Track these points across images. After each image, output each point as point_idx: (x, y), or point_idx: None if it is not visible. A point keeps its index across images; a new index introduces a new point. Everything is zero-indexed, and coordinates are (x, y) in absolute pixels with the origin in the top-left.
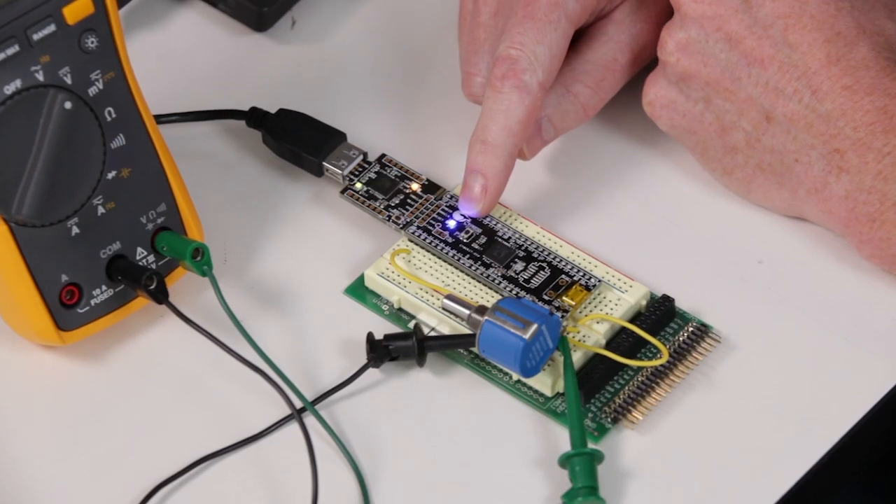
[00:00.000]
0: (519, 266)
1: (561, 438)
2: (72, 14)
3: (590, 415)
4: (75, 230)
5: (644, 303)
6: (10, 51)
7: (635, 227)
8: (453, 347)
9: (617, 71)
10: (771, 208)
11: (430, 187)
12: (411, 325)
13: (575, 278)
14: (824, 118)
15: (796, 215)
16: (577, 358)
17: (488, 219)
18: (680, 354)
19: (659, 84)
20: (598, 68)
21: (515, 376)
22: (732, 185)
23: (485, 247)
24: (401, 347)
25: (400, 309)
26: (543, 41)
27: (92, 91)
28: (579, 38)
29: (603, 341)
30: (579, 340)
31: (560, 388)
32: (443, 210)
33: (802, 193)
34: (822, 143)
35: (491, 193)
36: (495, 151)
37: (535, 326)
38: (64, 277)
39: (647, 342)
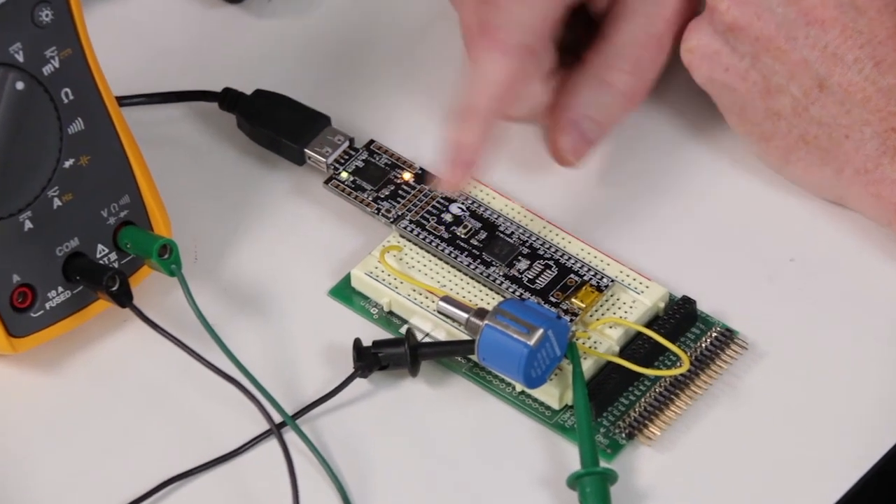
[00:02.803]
0: (523, 264)
1: (570, 456)
2: None
3: (602, 430)
4: (28, 225)
5: (662, 305)
6: None
7: (652, 222)
8: (450, 355)
9: (652, 46)
10: (807, 187)
11: (424, 177)
12: (403, 330)
13: (585, 278)
14: (885, 93)
15: (834, 198)
16: (588, 367)
17: (489, 212)
18: (702, 362)
19: (703, 31)
20: (630, 48)
21: (519, 387)
22: (768, 155)
23: (485, 243)
24: (391, 355)
25: (390, 312)
26: (526, 3)
27: (47, 70)
28: (604, 21)
29: (616, 348)
30: (590, 347)
31: (569, 400)
32: (438, 202)
33: (849, 173)
34: (879, 121)
35: (461, 163)
36: (469, 117)
37: (540, 332)
38: (15, 278)
39: (666, 349)
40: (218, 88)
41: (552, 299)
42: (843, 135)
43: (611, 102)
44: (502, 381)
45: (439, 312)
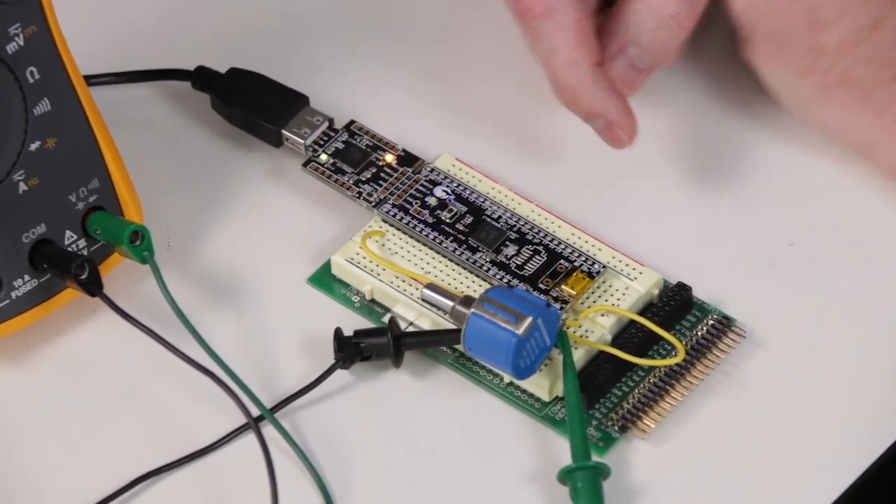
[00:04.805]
0: (511, 250)
1: (560, 450)
2: None
3: (594, 423)
4: None
5: (656, 292)
6: None
7: (645, 205)
8: (435, 345)
9: None
10: (834, 129)
11: (407, 159)
12: (386, 319)
13: (576, 264)
14: None
15: (860, 144)
16: (579, 356)
17: (475, 195)
18: (698, 352)
19: None
20: None
21: (507, 378)
22: (803, 90)
23: (471, 228)
24: (374, 345)
25: (372, 300)
26: None
27: (11, 48)
28: None
29: (609, 337)
30: (581, 336)
31: (559, 391)
32: (422, 185)
33: (888, 120)
34: None
35: (620, 121)
36: (579, 85)
37: (529, 320)
38: None
39: (660, 338)
40: (191, 67)
41: (541, 286)
42: (890, 77)
43: (657, 28)
44: (490, 371)
45: (423, 300)
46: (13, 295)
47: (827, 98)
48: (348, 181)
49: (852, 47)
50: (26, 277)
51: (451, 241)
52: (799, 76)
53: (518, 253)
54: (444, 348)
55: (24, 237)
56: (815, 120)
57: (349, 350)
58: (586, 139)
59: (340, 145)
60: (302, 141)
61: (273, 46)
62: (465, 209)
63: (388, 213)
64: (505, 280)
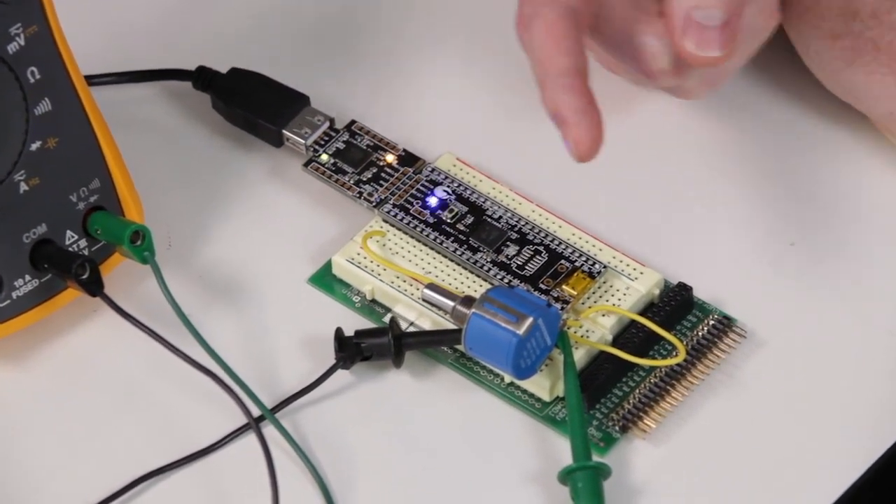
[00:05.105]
0: (511, 250)
1: (561, 450)
2: None
3: (594, 423)
4: None
5: (657, 292)
6: None
7: (646, 205)
8: (436, 345)
9: None
10: (861, 95)
11: (408, 159)
12: (386, 319)
13: (577, 264)
14: None
15: (883, 112)
16: (580, 356)
17: (476, 195)
18: (699, 352)
19: None
20: None
21: (508, 378)
22: (832, 54)
23: (472, 228)
24: (374, 345)
25: (373, 300)
26: None
27: (12, 48)
28: None
29: (609, 337)
30: (582, 336)
31: (560, 391)
32: (422, 185)
33: None
34: None
35: (580, 128)
36: (555, 83)
37: (530, 320)
38: None
39: (661, 338)
40: (192, 67)
41: (542, 286)
42: None
43: None
44: (490, 371)
45: (424, 300)
46: (14, 295)
47: (854, 64)
48: (349, 181)
49: (885, 14)
50: (27, 277)
51: (452, 242)
52: (829, 39)
53: (519, 253)
54: (445, 348)
55: (25, 237)
56: (840, 85)
57: (350, 350)
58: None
59: (341, 145)
60: (303, 141)
61: (274, 46)
62: (465, 209)
63: (388, 213)
64: (506, 280)
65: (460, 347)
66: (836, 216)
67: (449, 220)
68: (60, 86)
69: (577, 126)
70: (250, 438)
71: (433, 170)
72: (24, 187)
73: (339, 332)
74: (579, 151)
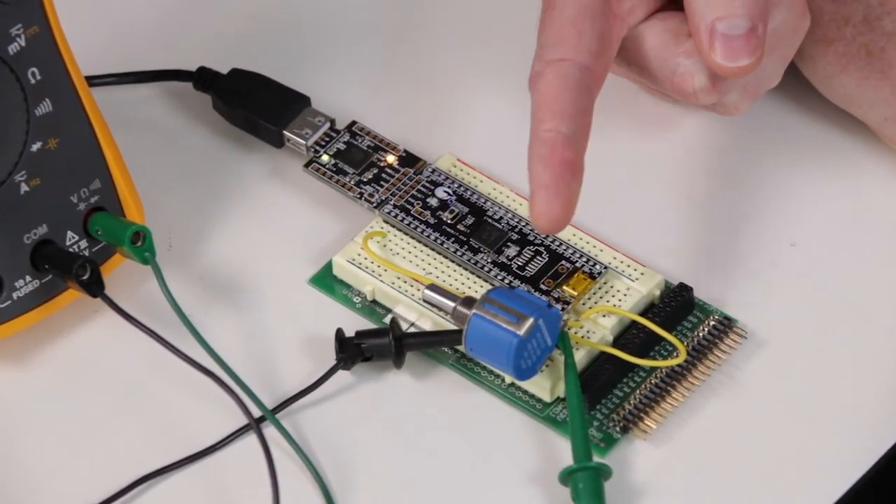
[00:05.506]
0: (512, 251)
1: (562, 451)
2: None
3: (595, 423)
4: None
5: (658, 293)
6: None
7: (646, 206)
8: (436, 346)
9: None
10: (853, 101)
11: (409, 159)
12: (387, 319)
13: (577, 265)
14: None
15: (875, 118)
16: (580, 357)
17: (476, 196)
18: (700, 352)
19: None
20: None
21: (508, 379)
22: (825, 59)
23: (472, 229)
24: (375, 346)
25: (374, 301)
26: (554, 29)
27: (12, 49)
28: None
29: (610, 338)
30: (582, 337)
31: (560, 392)
32: (423, 186)
33: None
34: None
35: (541, 204)
36: (533, 150)
37: (530, 321)
38: None
39: (662, 338)
40: (192, 67)
41: (543, 287)
42: None
43: None
44: (491, 372)
45: (425, 301)
46: (15, 296)
47: (846, 70)
48: (350, 182)
49: (876, 20)
50: (28, 278)
51: (453, 242)
52: (822, 45)
53: (519, 254)
54: (446, 349)
55: (26, 238)
56: (834, 91)
57: (350, 351)
58: (592, 143)
59: (342, 146)
60: (303, 141)
61: (275, 47)
62: (466, 210)
63: (389, 213)
64: (506, 281)
65: (461, 348)
66: (836, 216)
67: (449, 221)
68: (61, 86)
69: (540, 201)
70: (251, 439)
71: (434, 170)
72: (24, 188)
73: (339, 332)
74: (538, 225)
